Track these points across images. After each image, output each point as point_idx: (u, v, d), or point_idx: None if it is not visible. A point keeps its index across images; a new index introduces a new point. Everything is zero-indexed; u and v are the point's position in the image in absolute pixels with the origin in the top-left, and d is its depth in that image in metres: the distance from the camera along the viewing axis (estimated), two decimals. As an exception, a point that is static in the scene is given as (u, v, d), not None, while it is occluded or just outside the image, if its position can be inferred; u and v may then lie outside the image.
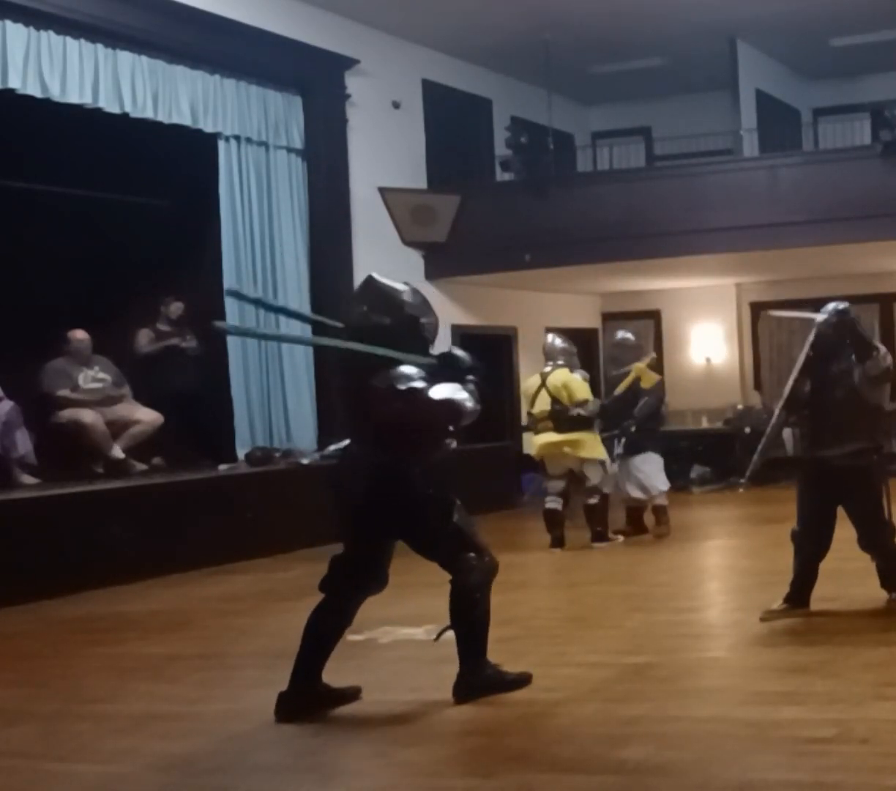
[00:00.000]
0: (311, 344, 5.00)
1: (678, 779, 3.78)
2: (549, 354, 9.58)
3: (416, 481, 4.86)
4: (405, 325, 4.86)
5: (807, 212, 12.65)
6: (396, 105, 13.34)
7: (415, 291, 5.09)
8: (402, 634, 6.16)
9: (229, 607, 7.44)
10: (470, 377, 4.84)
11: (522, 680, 4.98)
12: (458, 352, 4.95)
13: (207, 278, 11.19)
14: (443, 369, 4.81)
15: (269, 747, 4.35)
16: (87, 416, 9.79)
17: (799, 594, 6.19)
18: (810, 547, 6.18)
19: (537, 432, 9.46)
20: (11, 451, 9.11)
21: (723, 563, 9.09)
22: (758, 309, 16.59)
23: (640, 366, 9.90)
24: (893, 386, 6.85)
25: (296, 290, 12.12)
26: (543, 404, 9.35)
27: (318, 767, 4.14)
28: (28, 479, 9.21)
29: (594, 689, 4.95)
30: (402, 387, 4.65)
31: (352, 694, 4.85)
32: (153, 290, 11.04)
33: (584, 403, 9.26)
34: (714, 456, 14.94)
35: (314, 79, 12.26)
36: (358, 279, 13.48)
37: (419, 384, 4.67)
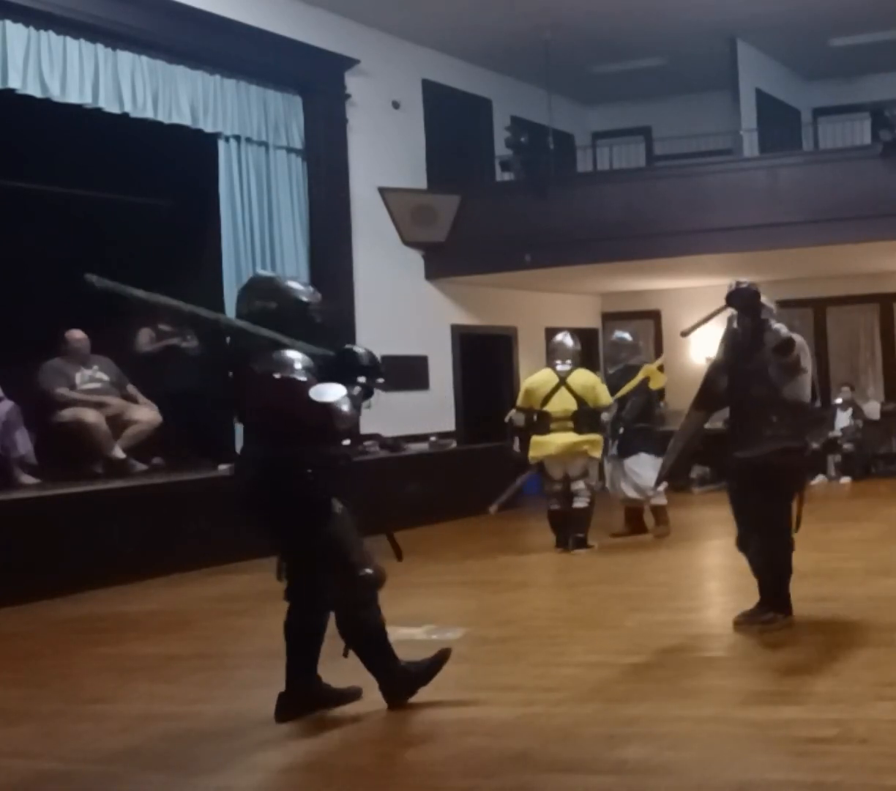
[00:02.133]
0: (191, 314, 4.76)
1: (678, 779, 3.78)
2: (562, 354, 9.41)
3: (293, 482, 4.52)
4: (291, 311, 4.64)
5: (807, 212, 12.64)
6: (396, 105, 13.34)
7: (306, 285, 4.92)
8: (402, 634, 6.15)
9: (229, 607, 7.44)
10: (361, 379, 4.58)
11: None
12: (360, 349, 4.69)
13: (207, 278, 11.18)
14: (337, 365, 4.56)
15: (269, 747, 4.35)
16: (90, 415, 9.78)
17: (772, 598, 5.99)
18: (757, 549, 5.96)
19: (550, 431, 9.21)
20: (11, 451, 9.11)
21: (723, 563, 9.07)
22: (758, 309, 16.59)
23: (650, 367, 9.81)
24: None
25: (296, 290, 12.11)
26: (565, 403, 9.17)
27: (318, 767, 4.14)
28: (28, 479, 9.20)
29: (594, 689, 4.95)
30: (279, 375, 4.40)
31: (352, 694, 4.84)
32: (153, 290, 11.02)
33: (607, 408, 9.24)
34: (714, 456, 14.90)
35: (314, 79, 12.26)
36: (358, 279, 13.67)
37: (300, 375, 4.40)
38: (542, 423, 9.30)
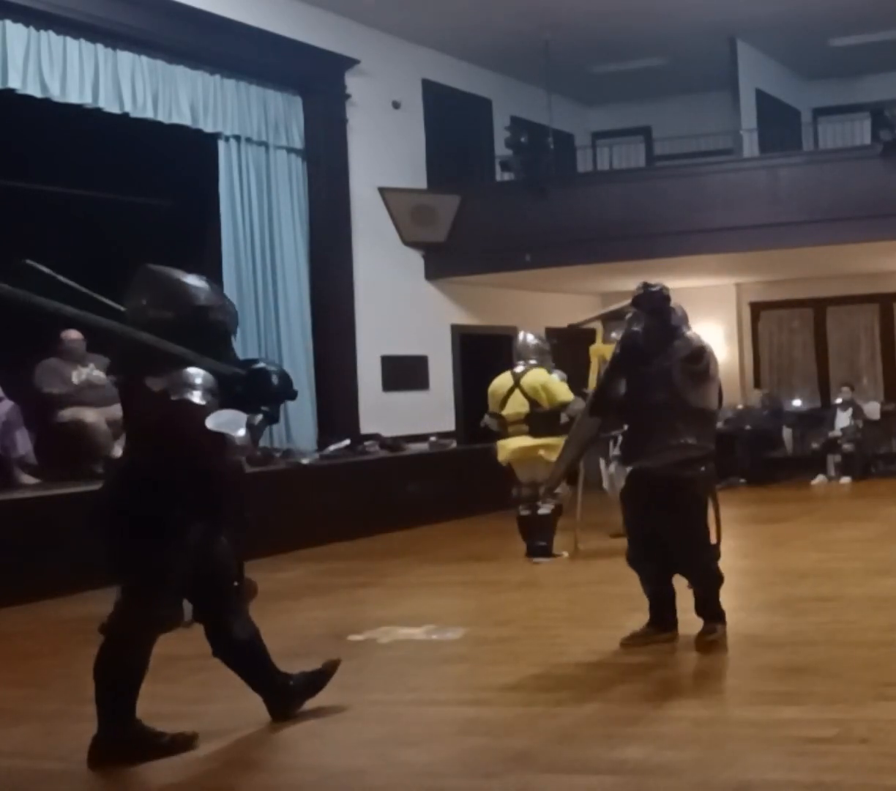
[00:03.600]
0: (94, 325, 4.17)
1: (678, 779, 3.78)
2: (522, 353, 9.09)
3: (145, 493, 4.17)
4: (191, 320, 4.18)
5: (807, 212, 12.65)
6: (396, 105, 13.35)
7: (201, 280, 4.41)
8: (402, 634, 6.16)
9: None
10: (266, 408, 4.14)
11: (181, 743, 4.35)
12: (273, 369, 4.23)
13: (207, 278, 11.17)
14: (246, 387, 4.11)
15: (269, 747, 4.35)
16: (90, 415, 9.78)
17: (660, 618, 5.73)
18: (651, 566, 5.69)
19: (508, 436, 8.94)
20: (11, 451, 9.11)
21: (723, 563, 9.05)
22: (758, 309, 16.61)
23: (595, 347, 9.64)
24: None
25: (296, 290, 12.12)
26: (517, 406, 8.89)
27: (318, 767, 4.14)
28: (28, 479, 9.20)
29: (594, 689, 4.95)
30: (176, 397, 3.97)
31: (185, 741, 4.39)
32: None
33: (566, 406, 8.79)
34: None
35: (314, 79, 12.27)
36: (358, 279, 13.67)
37: (197, 399, 3.97)
38: (502, 426, 9.05)
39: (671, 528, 5.56)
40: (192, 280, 4.34)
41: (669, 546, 5.59)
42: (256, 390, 4.13)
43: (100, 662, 4.36)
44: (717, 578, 5.75)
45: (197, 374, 4.02)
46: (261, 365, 4.21)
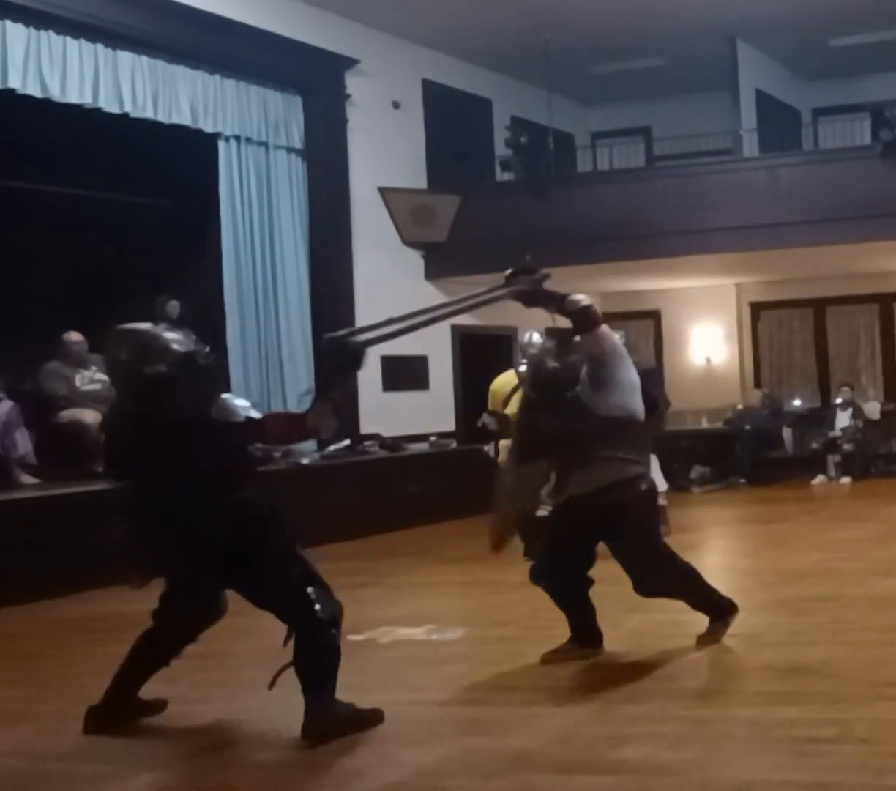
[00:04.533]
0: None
1: (678, 779, 3.78)
2: (526, 352, 8.83)
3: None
4: (185, 368, 4.35)
5: (807, 212, 12.65)
6: (396, 105, 13.35)
7: (173, 331, 4.56)
8: (402, 634, 6.16)
9: (229, 607, 7.42)
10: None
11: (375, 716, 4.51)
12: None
13: (207, 278, 11.18)
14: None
15: (269, 747, 4.35)
16: (89, 416, 9.78)
17: (580, 632, 5.50)
18: (560, 580, 5.42)
19: (509, 435, 8.91)
20: (11, 451, 9.11)
21: (723, 563, 9.08)
22: (758, 309, 16.61)
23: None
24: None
25: (296, 290, 12.12)
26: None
27: (317, 767, 4.14)
28: (28, 479, 9.20)
29: (594, 689, 4.95)
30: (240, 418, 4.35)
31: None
32: (153, 290, 11.04)
33: None
34: (714, 456, 14.95)
35: (314, 79, 12.27)
36: (358, 279, 13.67)
37: (254, 413, 4.42)
38: (504, 426, 8.83)
39: (621, 556, 5.36)
40: (169, 333, 4.47)
41: (627, 572, 5.36)
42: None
43: (311, 657, 4.40)
44: (696, 581, 5.60)
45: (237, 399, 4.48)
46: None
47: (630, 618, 6.05)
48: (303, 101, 12.21)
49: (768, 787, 3.68)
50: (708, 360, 16.56)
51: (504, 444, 9.04)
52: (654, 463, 9.70)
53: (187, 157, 11.12)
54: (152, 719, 4.77)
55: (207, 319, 10.72)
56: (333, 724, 4.33)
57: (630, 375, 5.19)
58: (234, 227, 11.55)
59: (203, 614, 4.74)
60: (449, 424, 13.82)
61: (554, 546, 5.40)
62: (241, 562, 4.40)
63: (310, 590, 4.44)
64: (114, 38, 10.12)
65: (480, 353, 14.45)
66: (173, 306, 11.00)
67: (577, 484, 5.23)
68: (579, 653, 5.43)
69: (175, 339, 4.41)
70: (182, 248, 11.52)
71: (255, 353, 11.68)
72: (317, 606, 4.39)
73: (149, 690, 4.98)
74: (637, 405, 5.16)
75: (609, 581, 7.58)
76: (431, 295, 13.89)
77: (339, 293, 12.47)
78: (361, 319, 12.61)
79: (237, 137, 11.51)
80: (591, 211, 13.30)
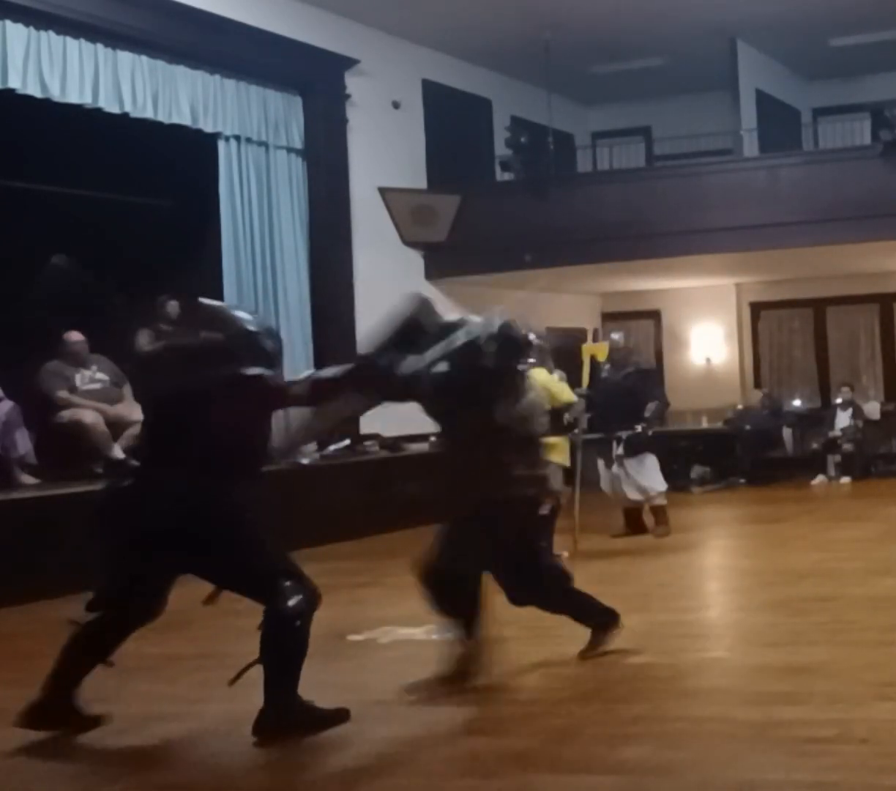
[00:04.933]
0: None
1: (678, 779, 3.78)
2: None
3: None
4: (242, 341, 4.61)
5: (807, 212, 12.66)
6: (396, 105, 13.36)
7: (249, 313, 4.92)
8: (401, 634, 6.16)
9: (229, 607, 7.40)
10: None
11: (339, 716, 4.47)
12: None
13: (207, 278, 11.18)
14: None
15: (269, 747, 4.35)
16: (88, 416, 9.78)
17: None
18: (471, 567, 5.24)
19: None
20: (11, 451, 9.10)
21: (723, 563, 9.09)
22: (758, 309, 16.62)
23: (588, 346, 9.72)
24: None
25: (296, 290, 12.12)
26: None
27: (318, 767, 4.14)
28: (28, 479, 9.20)
29: (594, 689, 4.95)
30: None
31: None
32: (153, 291, 11.04)
33: (570, 406, 8.60)
34: (714, 456, 14.96)
35: (314, 79, 12.27)
36: (358, 279, 13.65)
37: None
38: None
39: (498, 568, 5.27)
40: (236, 310, 4.93)
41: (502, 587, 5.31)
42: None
43: (275, 645, 4.37)
44: (573, 595, 5.52)
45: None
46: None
47: (630, 618, 6.05)
48: (303, 101, 12.21)
49: (768, 787, 3.68)
50: (708, 360, 16.57)
51: None
52: (654, 464, 9.73)
53: (187, 157, 11.12)
54: (152, 719, 4.77)
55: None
56: (286, 723, 4.28)
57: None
58: (234, 228, 11.55)
59: (147, 610, 4.70)
60: (449, 424, 13.81)
61: (460, 553, 5.27)
62: (212, 548, 4.53)
63: (287, 584, 4.44)
64: (114, 38, 10.13)
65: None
66: (173, 306, 11.01)
67: (469, 483, 5.37)
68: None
69: (247, 319, 4.73)
70: (182, 248, 11.51)
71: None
72: (290, 601, 4.38)
73: (149, 690, 4.99)
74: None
75: (609, 581, 7.59)
76: (431, 295, 13.86)
77: (339, 293, 12.47)
78: (361, 319, 12.62)
79: (237, 137, 11.51)
80: (591, 211, 13.31)
